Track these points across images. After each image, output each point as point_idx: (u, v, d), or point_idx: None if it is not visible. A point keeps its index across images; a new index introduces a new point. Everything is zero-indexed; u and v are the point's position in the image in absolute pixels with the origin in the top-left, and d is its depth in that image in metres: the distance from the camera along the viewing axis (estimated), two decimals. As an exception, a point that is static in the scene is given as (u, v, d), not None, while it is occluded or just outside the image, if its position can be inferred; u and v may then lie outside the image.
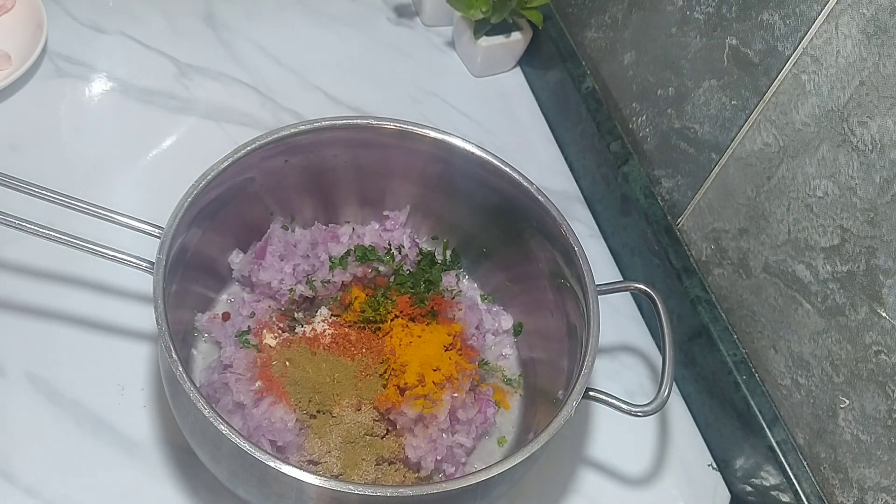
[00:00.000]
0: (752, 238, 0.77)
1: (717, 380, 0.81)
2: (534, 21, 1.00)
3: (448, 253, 0.85)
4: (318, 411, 0.71)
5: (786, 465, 0.75)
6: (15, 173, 0.67)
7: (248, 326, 0.75)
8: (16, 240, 0.68)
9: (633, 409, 0.67)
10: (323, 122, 0.75)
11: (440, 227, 0.85)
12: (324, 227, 0.82)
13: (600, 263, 0.92)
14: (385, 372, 0.73)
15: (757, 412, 0.77)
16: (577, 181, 1.01)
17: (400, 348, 0.74)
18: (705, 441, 0.84)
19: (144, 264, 0.67)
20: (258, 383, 0.70)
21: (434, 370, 0.72)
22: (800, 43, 0.68)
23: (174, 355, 0.60)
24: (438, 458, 0.70)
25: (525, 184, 0.75)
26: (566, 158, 1.02)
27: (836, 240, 0.68)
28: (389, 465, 0.71)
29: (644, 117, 0.90)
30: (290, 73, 1.01)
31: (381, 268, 0.80)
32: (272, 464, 0.57)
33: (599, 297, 0.71)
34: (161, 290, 0.63)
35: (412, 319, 0.76)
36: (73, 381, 0.74)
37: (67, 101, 0.93)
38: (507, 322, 0.83)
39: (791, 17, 0.69)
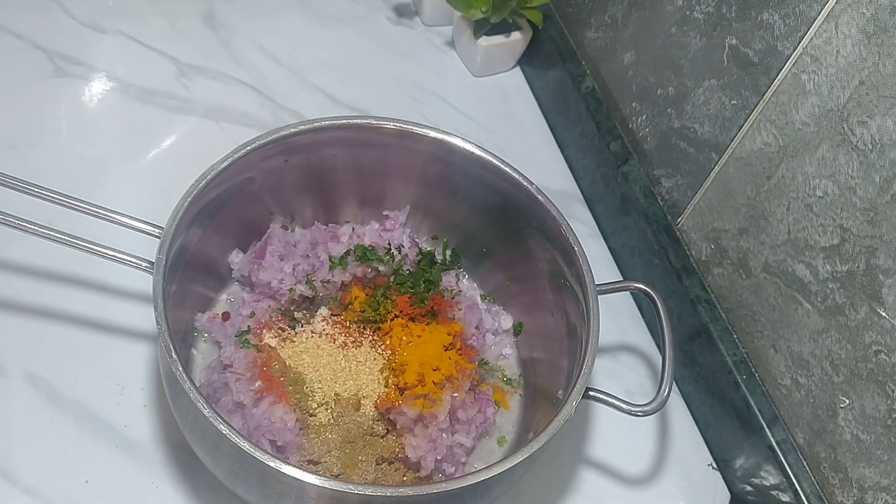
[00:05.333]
0: (751, 238, 0.77)
1: (716, 379, 0.81)
2: (534, 21, 1.00)
3: (448, 253, 0.85)
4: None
5: (785, 465, 0.75)
6: (15, 173, 0.67)
7: (248, 326, 0.75)
8: (16, 240, 0.68)
9: (633, 409, 0.67)
10: (323, 122, 0.75)
11: (440, 227, 0.85)
12: (324, 226, 0.82)
13: (600, 263, 0.92)
14: (385, 372, 0.73)
15: (757, 412, 0.77)
16: (576, 181, 1.01)
17: (400, 348, 0.74)
18: (705, 441, 0.84)
19: (144, 264, 0.67)
20: (258, 383, 0.70)
21: (434, 370, 0.72)
22: (800, 42, 0.68)
23: (174, 355, 0.60)
24: (438, 457, 0.70)
25: (525, 183, 0.75)
26: (566, 158, 1.02)
27: (836, 239, 0.68)
28: (389, 464, 0.71)
29: (644, 117, 0.90)
30: (290, 73, 1.01)
31: (381, 268, 0.80)
32: (272, 463, 0.57)
33: (599, 296, 0.71)
34: (161, 290, 0.63)
35: (412, 319, 0.76)
36: (73, 381, 0.74)
37: (67, 100, 0.93)
38: (506, 322, 0.82)
39: (791, 16, 0.69)
